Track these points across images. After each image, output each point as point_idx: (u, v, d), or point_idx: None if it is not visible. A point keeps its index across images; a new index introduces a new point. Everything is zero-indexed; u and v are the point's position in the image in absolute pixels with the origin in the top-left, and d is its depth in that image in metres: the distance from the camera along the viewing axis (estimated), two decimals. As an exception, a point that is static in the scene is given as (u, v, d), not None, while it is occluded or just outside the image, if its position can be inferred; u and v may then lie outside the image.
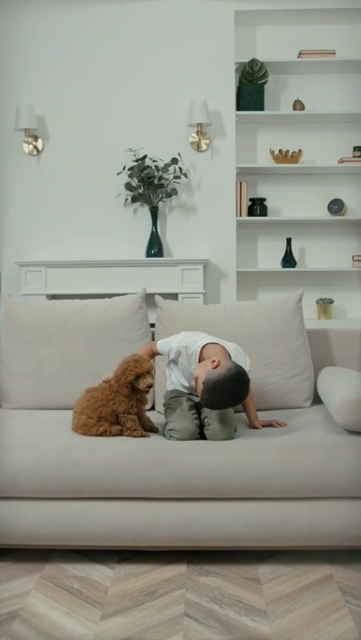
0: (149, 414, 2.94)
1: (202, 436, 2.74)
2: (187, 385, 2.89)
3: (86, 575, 2.58)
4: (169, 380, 2.99)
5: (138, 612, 2.32)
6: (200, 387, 2.63)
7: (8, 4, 5.07)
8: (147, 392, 2.76)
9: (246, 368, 2.77)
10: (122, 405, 2.75)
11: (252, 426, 2.88)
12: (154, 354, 2.96)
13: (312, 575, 2.57)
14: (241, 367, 2.66)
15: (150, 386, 2.73)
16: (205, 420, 2.74)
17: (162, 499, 2.57)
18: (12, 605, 2.37)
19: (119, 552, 2.73)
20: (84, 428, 2.75)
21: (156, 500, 2.58)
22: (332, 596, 2.41)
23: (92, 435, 2.73)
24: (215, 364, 2.63)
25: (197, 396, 2.73)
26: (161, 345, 2.91)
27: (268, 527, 2.57)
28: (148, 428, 2.83)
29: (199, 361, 2.79)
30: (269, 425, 2.88)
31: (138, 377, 2.73)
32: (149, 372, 2.75)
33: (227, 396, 2.59)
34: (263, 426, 2.87)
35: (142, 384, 2.73)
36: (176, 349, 2.83)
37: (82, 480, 2.55)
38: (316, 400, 3.20)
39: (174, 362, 2.88)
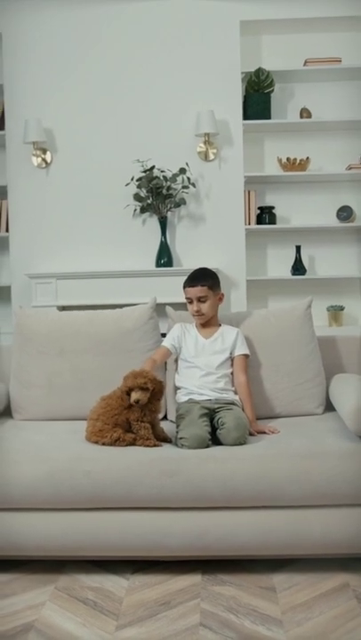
0: (162, 424, 2.93)
1: (215, 442, 2.75)
2: (198, 367, 3.02)
3: (101, 586, 2.57)
4: (182, 387, 3.03)
5: (153, 623, 2.31)
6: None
7: (14, 20, 5.12)
8: (137, 405, 2.73)
9: (244, 350, 3.08)
10: (134, 413, 2.75)
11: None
12: (162, 358, 3.09)
13: (328, 583, 2.55)
14: None
15: (137, 401, 2.70)
16: (220, 421, 2.78)
17: (175, 508, 2.57)
18: (27, 617, 2.37)
19: (133, 562, 2.72)
20: (99, 434, 2.74)
21: (170, 510, 2.57)
22: (349, 604, 2.39)
23: (105, 441, 2.72)
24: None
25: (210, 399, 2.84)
26: (166, 340, 3.14)
27: (282, 535, 2.56)
28: (162, 439, 2.82)
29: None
30: (263, 432, 2.89)
31: (131, 390, 2.73)
32: (143, 389, 2.72)
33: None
34: (258, 432, 2.89)
35: (131, 397, 2.73)
36: (179, 328, 3.13)
37: (95, 490, 2.55)
38: (329, 407, 3.19)
39: (181, 353, 3.08)
